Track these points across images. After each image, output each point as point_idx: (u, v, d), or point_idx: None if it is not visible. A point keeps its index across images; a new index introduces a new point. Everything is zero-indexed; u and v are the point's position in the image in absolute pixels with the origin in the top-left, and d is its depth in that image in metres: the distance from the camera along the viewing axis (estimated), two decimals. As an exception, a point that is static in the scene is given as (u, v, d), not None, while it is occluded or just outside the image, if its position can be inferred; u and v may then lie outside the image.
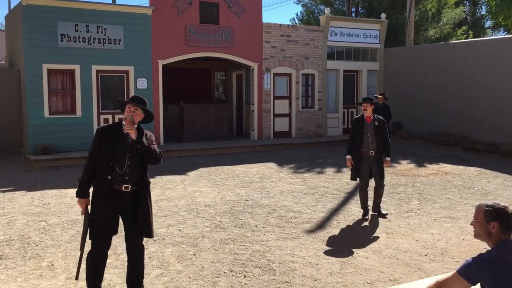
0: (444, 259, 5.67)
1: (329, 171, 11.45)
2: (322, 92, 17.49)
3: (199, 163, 12.51)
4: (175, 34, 14.68)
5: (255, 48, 16.04)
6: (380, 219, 7.34)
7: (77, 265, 4.46)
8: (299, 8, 68.94)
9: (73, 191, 9.04)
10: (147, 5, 14.71)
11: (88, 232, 4.40)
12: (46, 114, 13.08)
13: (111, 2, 15.47)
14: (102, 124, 13.78)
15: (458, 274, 2.87)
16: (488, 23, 33.06)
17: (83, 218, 4.41)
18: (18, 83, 14.20)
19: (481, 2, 31.66)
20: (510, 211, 2.94)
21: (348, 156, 7.44)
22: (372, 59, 18.56)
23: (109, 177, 4.28)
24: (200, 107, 15.87)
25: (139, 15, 14.16)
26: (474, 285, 2.87)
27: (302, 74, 17.10)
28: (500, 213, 2.93)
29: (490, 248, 2.96)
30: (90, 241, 4.41)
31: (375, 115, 7.42)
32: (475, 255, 2.93)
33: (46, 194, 8.95)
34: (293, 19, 34.70)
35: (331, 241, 6.32)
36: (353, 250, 5.97)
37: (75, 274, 4.79)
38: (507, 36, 19.85)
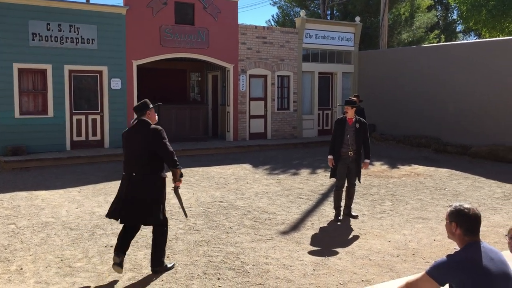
0: (416, 260, 5.76)
1: (304, 172, 11.52)
2: (297, 94, 17.59)
3: (174, 164, 12.40)
4: (150, 34, 14.55)
5: (231, 50, 16.03)
6: (353, 220, 7.41)
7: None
8: (275, 10, 69.26)
9: (44, 193, 8.90)
10: (121, 4, 14.54)
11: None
12: (17, 114, 12.79)
13: (84, 1, 15.24)
14: (74, 124, 13.66)
15: (427, 275, 2.92)
16: (459, 27, 33.81)
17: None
18: (-13, 82, 13.86)
19: (452, 6, 32.32)
20: (471, 213, 2.96)
21: (330, 156, 7.52)
22: (347, 61, 18.76)
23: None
24: (176, 108, 15.76)
25: (113, 14, 13.99)
26: (443, 285, 2.92)
27: (278, 75, 17.16)
28: (459, 214, 2.99)
29: (459, 249, 3.03)
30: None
31: (357, 117, 7.53)
32: (444, 256, 2.98)
33: (16, 196, 8.75)
34: (269, 21, 34.76)
35: (305, 242, 6.35)
36: (327, 251, 6.01)
37: (44, 278, 4.69)
38: (477, 40, 20.32)
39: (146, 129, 5.05)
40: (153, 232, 5.20)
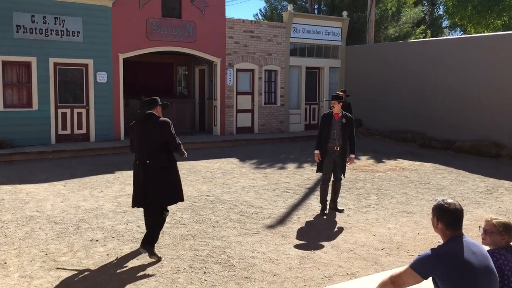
0: (400, 253, 5.82)
1: (291, 166, 11.56)
2: (284, 88, 17.61)
3: (161, 158, 12.36)
4: (136, 27, 14.43)
5: (218, 43, 15.97)
6: (339, 214, 7.47)
7: None
8: (262, 4, 69.04)
9: (28, 187, 8.82)
10: (108, -3, 14.39)
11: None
12: (1, 107, 12.62)
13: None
14: (60, 118, 13.52)
15: (411, 268, 2.96)
16: (445, 23, 34.09)
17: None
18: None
19: (439, 2, 32.56)
20: (451, 208, 3.00)
21: (316, 151, 7.55)
22: (334, 56, 18.81)
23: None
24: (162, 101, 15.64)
25: (99, 7, 13.84)
26: (426, 278, 2.97)
27: (265, 70, 17.15)
28: (441, 209, 3.03)
29: (442, 243, 3.07)
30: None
31: (343, 112, 7.56)
32: (428, 250, 3.02)
33: (-1, 190, 8.66)
34: (257, 15, 34.70)
35: (291, 236, 6.39)
36: (313, 244, 6.05)
37: (29, 272, 4.65)
38: (463, 36, 20.51)
39: (156, 121, 5.55)
40: (153, 213, 5.57)
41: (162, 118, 5.61)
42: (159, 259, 5.41)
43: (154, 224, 5.55)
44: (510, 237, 3.29)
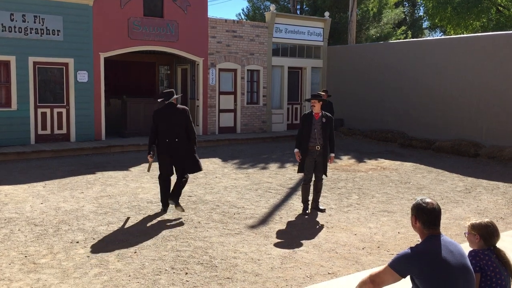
0: (380, 252, 5.89)
1: (273, 166, 11.59)
2: (267, 88, 17.65)
3: (142, 158, 12.28)
4: (117, 26, 14.32)
5: (201, 43, 15.94)
6: (320, 214, 7.52)
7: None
8: (245, 4, 68.98)
9: (7, 188, 8.69)
10: (88, -5, 14.24)
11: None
12: (-22, 107, 12.43)
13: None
14: (39, 118, 13.34)
15: (389, 267, 3.00)
16: (425, 24, 34.52)
17: None
18: None
19: (419, 3, 32.96)
20: (428, 207, 3.05)
21: (296, 150, 7.58)
22: (316, 56, 18.91)
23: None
24: (144, 101, 15.59)
25: (79, 5, 13.69)
26: (404, 277, 3.01)
27: (248, 70, 17.17)
28: (418, 208, 3.09)
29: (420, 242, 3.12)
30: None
31: (323, 112, 7.60)
32: (406, 248, 3.07)
33: (-23, 191, 8.50)
34: (239, 14, 34.67)
35: (273, 236, 6.41)
36: (294, 244, 6.09)
37: (8, 275, 4.58)
38: (443, 37, 20.80)
39: (176, 109, 7.25)
40: (179, 178, 7.32)
41: (180, 106, 7.37)
42: (183, 210, 7.18)
43: (181, 185, 7.29)
44: (489, 238, 3.32)
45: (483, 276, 3.18)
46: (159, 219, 7.02)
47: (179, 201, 7.30)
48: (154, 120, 7.25)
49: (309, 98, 8.54)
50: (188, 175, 7.51)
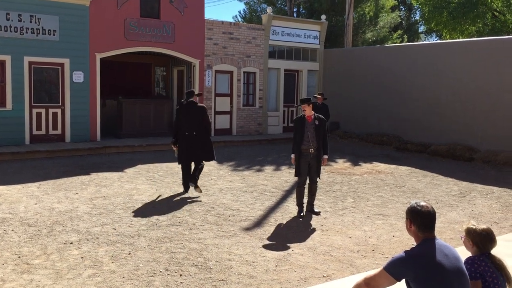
0: (375, 255, 5.89)
1: (268, 169, 11.59)
2: (263, 91, 17.65)
3: (138, 159, 12.27)
4: (114, 27, 14.29)
5: (197, 45, 15.93)
6: (315, 217, 7.52)
7: None
8: (242, 6, 69.09)
9: (1, 188, 8.64)
10: (85, -5, 14.22)
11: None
12: (-27, 106, 12.37)
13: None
14: (34, 118, 13.28)
15: (384, 270, 3.00)
16: (421, 28, 34.64)
17: None
18: None
19: (415, 7, 33.08)
20: (423, 210, 3.05)
21: (293, 155, 7.60)
22: (312, 59, 18.94)
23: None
24: (140, 102, 15.56)
25: (76, 5, 13.65)
26: (399, 280, 3.01)
27: (244, 72, 17.18)
28: (413, 212, 3.09)
29: (415, 245, 3.12)
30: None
31: (315, 114, 7.59)
32: (401, 252, 3.07)
33: (-29, 191, 8.45)
34: (236, 16, 34.69)
35: (268, 238, 6.41)
36: (289, 247, 6.08)
37: (1, 275, 4.56)
38: (438, 41, 20.87)
39: (197, 106, 8.59)
40: (197, 164, 8.72)
41: (199, 104, 8.69)
42: (201, 191, 8.54)
43: (198, 170, 8.67)
44: (483, 246, 3.31)
45: (482, 283, 3.18)
46: (153, 220, 7.00)
47: (198, 184, 8.69)
48: (177, 115, 8.65)
49: (298, 104, 8.64)
50: (204, 162, 8.84)
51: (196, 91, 16.47)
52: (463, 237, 3.41)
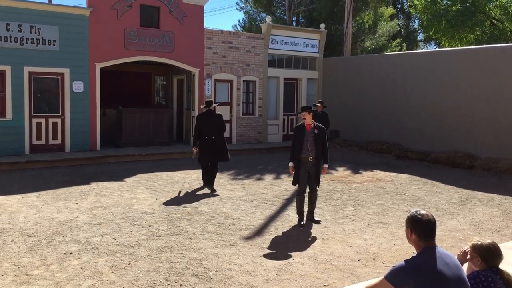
0: (376, 264, 5.87)
1: (268, 177, 11.57)
2: (262, 99, 17.68)
3: (138, 169, 12.26)
4: (114, 37, 14.34)
5: (197, 54, 15.98)
6: (316, 225, 7.49)
7: None
8: (241, 15, 69.39)
9: (1, 198, 8.62)
10: (85, 6, 14.29)
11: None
12: (-27, 116, 12.38)
13: (46, 1, 14.86)
14: (34, 128, 13.29)
15: (385, 279, 2.99)
16: (420, 36, 34.77)
17: None
18: None
19: (414, 16, 33.22)
20: (424, 219, 3.04)
21: (291, 164, 7.59)
22: (312, 67, 18.99)
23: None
24: (139, 111, 15.57)
25: (75, 16, 13.72)
26: (400, 290, 3.00)
27: (243, 80, 17.22)
28: (413, 220, 3.07)
29: (416, 254, 3.11)
30: None
31: (315, 123, 7.59)
32: (402, 261, 3.05)
33: (-30, 201, 8.43)
34: (235, 26, 34.84)
35: (268, 247, 6.38)
36: (290, 256, 6.06)
37: (0, 286, 4.55)
38: (437, 49, 20.96)
39: (215, 115, 9.84)
40: (213, 167, 9.85)
41: (217, 113, 9.92)
42: (216, 194, 9.41)
43: (214, 172, 9.87)
44: (490, 260, 3.28)
45: None
46: (153, 230, 6.98)
47: (214, 186, 9.78)
48: (197, 122, 9.83)
49: (299, 112, 8.67)
50: (218, 164, 10.04)
51: (196, 102, 16.74)
52: (469, 255, 3.35)
